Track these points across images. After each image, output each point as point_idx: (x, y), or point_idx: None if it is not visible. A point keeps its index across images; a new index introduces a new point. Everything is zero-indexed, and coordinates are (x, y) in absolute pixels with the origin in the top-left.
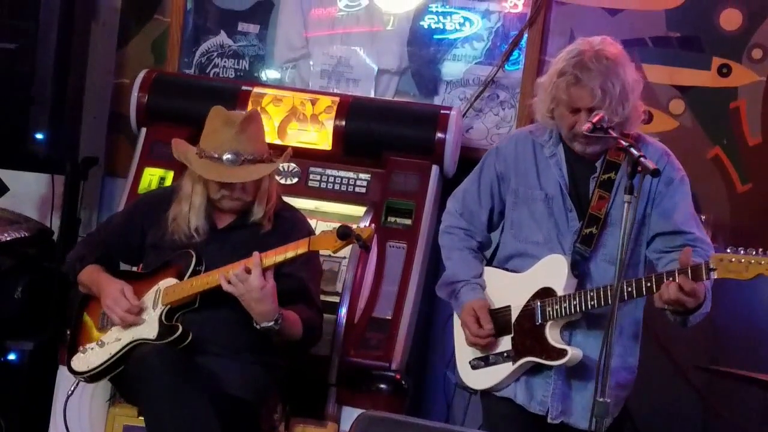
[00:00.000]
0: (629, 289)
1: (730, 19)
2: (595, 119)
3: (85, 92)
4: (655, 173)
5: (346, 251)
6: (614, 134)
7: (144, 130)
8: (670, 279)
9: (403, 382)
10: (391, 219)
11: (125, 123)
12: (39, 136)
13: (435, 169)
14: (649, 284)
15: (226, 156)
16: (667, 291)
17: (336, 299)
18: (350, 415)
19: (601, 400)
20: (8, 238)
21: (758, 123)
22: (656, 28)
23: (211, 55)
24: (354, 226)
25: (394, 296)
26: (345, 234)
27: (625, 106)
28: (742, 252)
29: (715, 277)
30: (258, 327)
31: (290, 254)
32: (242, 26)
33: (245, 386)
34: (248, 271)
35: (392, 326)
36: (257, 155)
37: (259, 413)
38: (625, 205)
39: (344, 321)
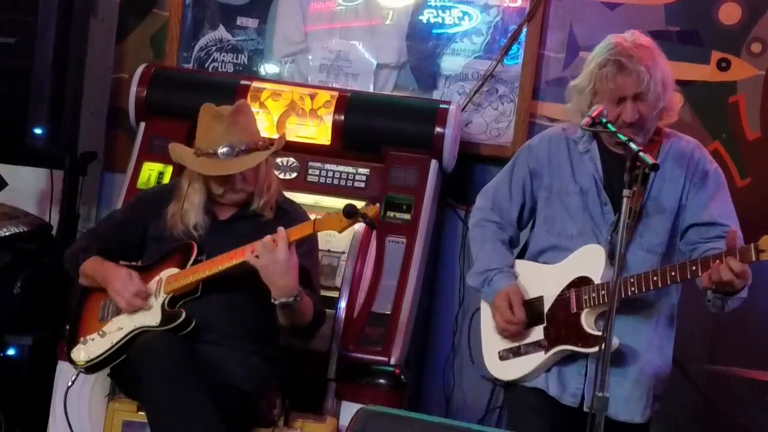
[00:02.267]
0: (672, 273)
1: (729, 13)
2: (594, 113)
3: (84, 87)
4: (654, 168)
5: (345, 245)
6: (613, 129)
7: (143, 124)
8: (718, 261)
9: (403, 377)
10: (390, 213)
11: (124, 117)
12: (38, 130)
13: (434, 163)
14: (694, 267)
15: (221, 150)
16: (717, 272)
17: (335, 294)
18: (349, 409)
19: (600, 394)
20: (7, 233)
21: (757, 117)
22: (655, 22)
23: (209, 50)
24: (359, 205)
25: (394, 291)
26: (351, 213)
27: (666, 92)
28: None
29: (764, 258)
30: (276, 302)
31: (307, 232)
32: (241, 20)
33: (245, 377)
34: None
35: (391, 321)
36: (251, 144)
37: (259, 404)
38: (625, 199)
39: (343, 316)
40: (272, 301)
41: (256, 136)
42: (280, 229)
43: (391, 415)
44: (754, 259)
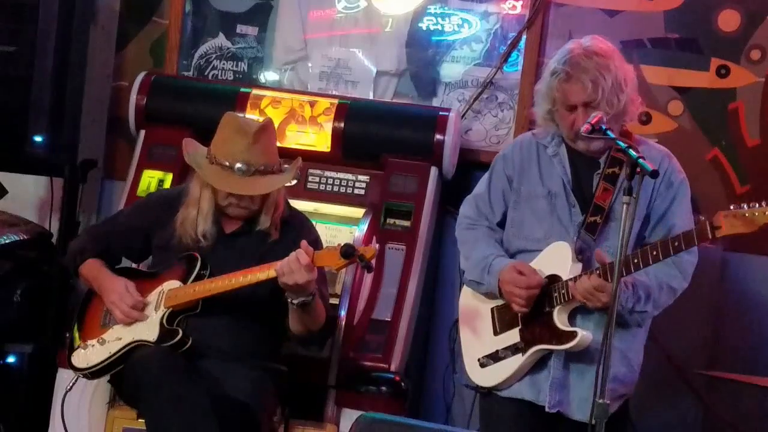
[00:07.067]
0: (635, 260)
1: (729, 20)
2: (593, 120)
3: (84, 95)
4: (654, 174)
5: None
6: (613, 135)
7: (143, 132)
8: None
9: (403, 384)
10: (390, 221)
11: (124, 125)
12: (38, 138)
13: (434, 170)
14: (654, 252)
15: (238, 166)
16: (580, 284)
17: (335, 301)
18: (350, 417)
19: (601, 401)
20: (7, 241)
21: (757, 124)
22: (655, 30)
23: (209, 57)
24: (358, 246)
25: (394, 298)
26: (348, 253)
27: (620, 97)
28: (746, 207)
29: (720, 234)
30: (294, 302)
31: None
32: (241, 28)
33: (246, 390)
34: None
35: (391, 328)
36: (268, 167)
37: (260, 417)
38: (624, 206)
39: (343, 323)
40: (290, 302)
41: (274, 159)
42: (303, 242)
43: (392, 422)
44: (710, 237)
